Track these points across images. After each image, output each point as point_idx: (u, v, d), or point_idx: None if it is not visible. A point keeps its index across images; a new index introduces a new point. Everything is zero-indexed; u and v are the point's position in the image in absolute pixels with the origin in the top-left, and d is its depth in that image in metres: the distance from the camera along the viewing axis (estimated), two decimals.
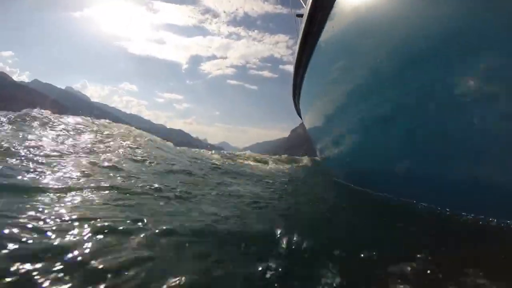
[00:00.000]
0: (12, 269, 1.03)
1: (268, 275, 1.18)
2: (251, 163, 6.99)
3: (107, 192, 2.16)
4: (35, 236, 1.31)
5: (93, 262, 1.14)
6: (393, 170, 2.21)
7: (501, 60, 1.17)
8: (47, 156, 3.22)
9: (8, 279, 0.96)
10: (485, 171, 1.50)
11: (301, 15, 4.67)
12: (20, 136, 4.03)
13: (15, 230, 1.30)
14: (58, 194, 1.92)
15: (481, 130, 1.35)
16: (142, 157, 4.02)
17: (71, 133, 5.22)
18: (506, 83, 1.17)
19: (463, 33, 1.27)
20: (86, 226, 1.43)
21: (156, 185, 2.46)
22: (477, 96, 1.30)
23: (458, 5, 1.26)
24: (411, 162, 1.99)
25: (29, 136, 4.10)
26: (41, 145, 3.68)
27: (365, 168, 2.77)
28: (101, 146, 4.67)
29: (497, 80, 1.20)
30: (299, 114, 5.64)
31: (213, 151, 8.04)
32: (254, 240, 1.59)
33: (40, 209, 1.59)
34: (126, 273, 1.07)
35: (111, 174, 2.86)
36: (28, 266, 1.06)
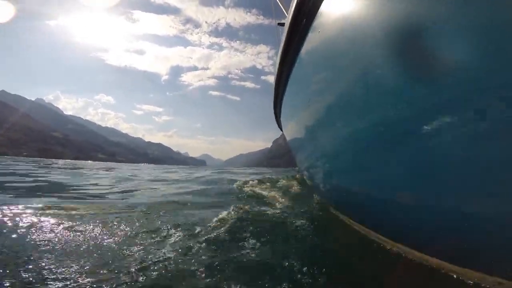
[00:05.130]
0: None
1: None
2: None
3: None
4: None
5: None
6: (374, 198, 2.00)
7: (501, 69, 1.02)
8: None
9: None
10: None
11: (282, 24, 4.61)
12: None
13: None
14: None
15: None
16: None
17: None
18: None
19: (457, 42, 1.16)
20: None
21: None
22: (481, 113, 1.16)
23: (451, 12, 1.16)
24: (396, 192, 1.78)
25: None
26: None
27: (342, 190, 2.61)
28: None
29: (499, 91, 1.08)
30: (279, 126, 5.48)
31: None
32: None
33: None
34: None
35: None
36: None
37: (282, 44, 2.95)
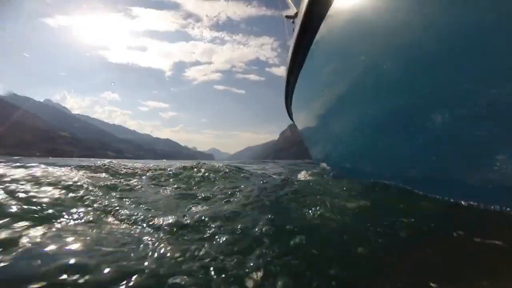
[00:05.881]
0: None
1: None
2: None
3: None
4: None
5: None
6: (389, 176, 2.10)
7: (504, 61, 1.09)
8: None
9: None
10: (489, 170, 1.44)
11: (290, 17, 4.59)
12: None
13: None
14: None
15: (490, 132, 1.25)
16: None
17: None
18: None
19: (466, 35, 1.19)
20: None
21: None
22: (481, 99, 1.22)
23: (461, 5, 1.22)
24: (408, 170, 1.89)
25: None
26: None
27: (360, 172, 2.68)
28: None
29: (502, 81, 1.13)
30: (290, 115, 5.45)
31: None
32: None
33: None
34: None
35: None
36: None
37: (294, 39, 2.98)
